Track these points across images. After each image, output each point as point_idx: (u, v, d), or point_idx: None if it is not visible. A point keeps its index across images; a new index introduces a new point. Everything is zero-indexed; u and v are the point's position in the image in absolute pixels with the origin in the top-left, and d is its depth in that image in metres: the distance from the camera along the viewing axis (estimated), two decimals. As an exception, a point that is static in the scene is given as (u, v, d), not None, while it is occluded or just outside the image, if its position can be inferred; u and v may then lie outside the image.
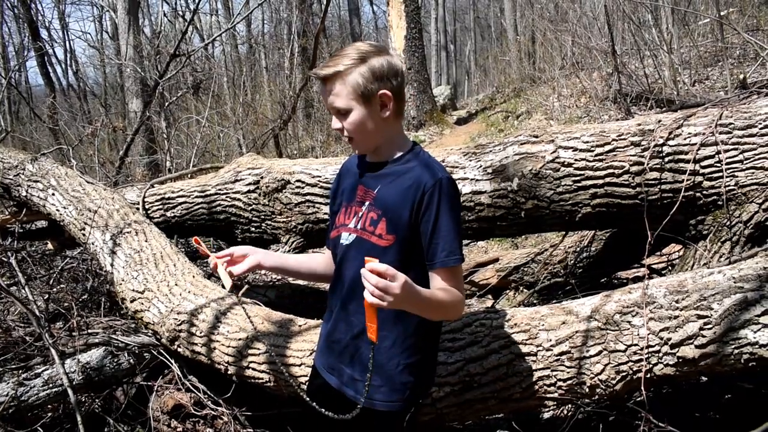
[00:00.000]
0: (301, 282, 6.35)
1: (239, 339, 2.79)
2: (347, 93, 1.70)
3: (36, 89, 25.27)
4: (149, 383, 3.39)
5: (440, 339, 2.37)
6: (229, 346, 2.81)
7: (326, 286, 2.10)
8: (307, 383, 2.15)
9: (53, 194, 4.15)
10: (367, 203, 1.81)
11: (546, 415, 3.10)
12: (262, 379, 2.72)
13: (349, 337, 1.85)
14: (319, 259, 2.09)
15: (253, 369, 2.74)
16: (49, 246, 4.81)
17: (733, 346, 2.01)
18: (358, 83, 1.69)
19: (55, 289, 4.60)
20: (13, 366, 3.42)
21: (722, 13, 8.25)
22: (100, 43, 27.32)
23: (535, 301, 4.24)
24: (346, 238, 1.84)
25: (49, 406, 3.26)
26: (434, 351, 1.99)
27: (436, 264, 1.72)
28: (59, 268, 4.75)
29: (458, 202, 1.78)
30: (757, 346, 1.98)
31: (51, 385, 3.13)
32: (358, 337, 1.83)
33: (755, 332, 1.98)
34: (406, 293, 1.51)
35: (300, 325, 2.75)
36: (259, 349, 2.72)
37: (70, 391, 3.02)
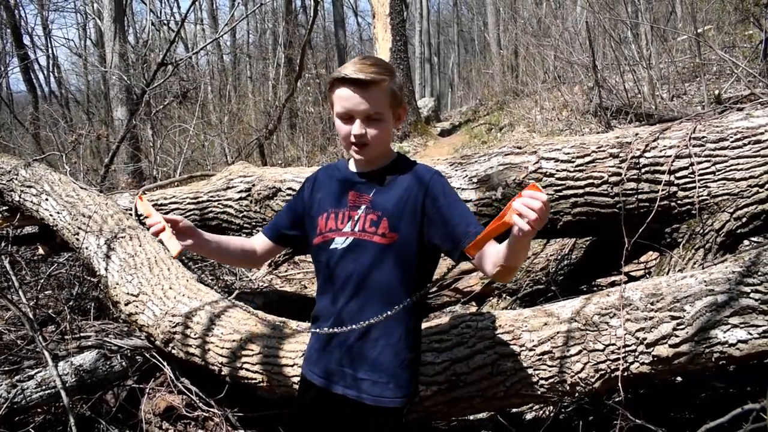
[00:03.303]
0: (288, 289, 6.41)
1: (233, 341, 2.87)
2: (384, 100, 1.79)
3: (17, 95, 25.09)
4: (141, 386, 3.45)
5: (428, 340, 2.48)
6: (223, 348, 2.88)
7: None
8: (298, 397, 2.14)
9: (47, 199, 4.19)
10: (363, 207, 1.87)
11: (528, 416, 3.20)
12: (255, 379, 2.80)
13: (354, 338, 1.88)
14: (240, 240, 2.13)
15: (247, 369, 2.82)
16: (40, 251, 4.84)
17: (704, 346, 2.13)
18: (394, 93, 1.81)
19: (41, 295, 4.65)
20: (6, 369, 3.46)
21: (699, 31, 8.47)
22: (83, 50, 27.22)
23: (517, 308, 4.35)
24: (341, 242, 1.88)
25: (39, 409, 3.30)
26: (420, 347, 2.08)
27: (473, 233, 1.70)
28: (47, 273, 4.80)
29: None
30: (726, 345, 2.11)
31: (44, 387, 3.18)
32: (363, 338, 1.86)
33: (725, 332, 2.11)
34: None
35: (292, 328, 2.83)
36: (252, 350, 2.79)
37: (63, 393, 3.07)
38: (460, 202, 1.83)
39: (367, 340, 1.86)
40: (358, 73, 1.75)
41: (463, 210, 1.81)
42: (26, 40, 22.32)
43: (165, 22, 23.43)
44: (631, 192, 3.01)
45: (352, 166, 1.97)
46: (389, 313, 1.80)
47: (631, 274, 4.08)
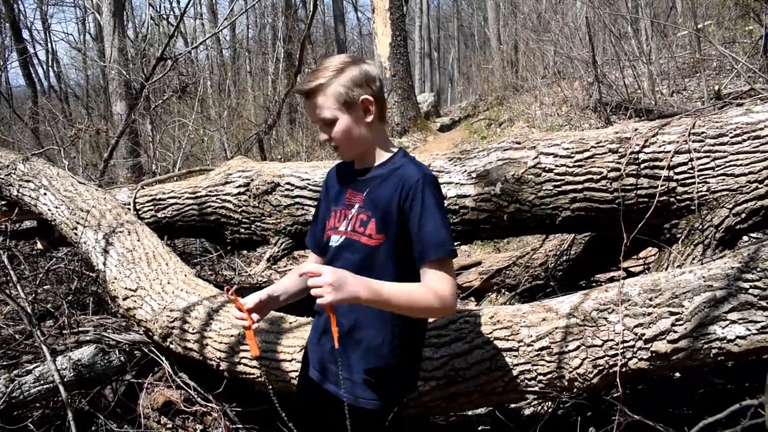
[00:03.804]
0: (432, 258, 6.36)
1: (231, 335, 2.86)
2: (330, 103, 1.79)
3: (17, 90, 25.04)
4: (139, 381, 3.44)
5: (426, 335, 2.48)
6: (221, 343, 2.88)
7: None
8: (297, 381, 2.18)
9: (45, 194, 4.19)
10: (356, 206, 1.87)
11: (527, 412, 3.20)
12: (253, 374, 2.80)
13: (340, 334, 1.86)
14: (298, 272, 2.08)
15: (245, 365, 2.82)
16: (38, 245, 4.84)
17: (703, 341, 2.13)
18: (340, 93, 1.78)
19: (40, 289, 4.64)
20: (4, 363, 3.46)
21: (699, 26, 8.46)
22: (83, 45, 27.16)
23: (516, 303, 4.34)
24: (336, 241, 1.89)
25: (37, 404, 3.30)
26: (419, 352, 2.01)
27: (425, 258, 1.74)
28: (45, 268, 4.79)
29: (442, 199, 1.81)
30: (725, 341, 2.11)
31: (42, 382, 3.17)
32: (349, 335, 1.87)
33: (723, 328, 2.11)
34: (340, 281, 1.58)
35: (290, 322, 2.83)
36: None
37: (61, 388, 3.06)
38: (433, 217, 1.75)
39: (351, 341, 1.86)
40: (302, 86, 1.80)
41: (430, 228, 1.74)
42: (25, 34, 22.29)
43: (164, 16, 23.40)
44: (630, 187, 3.00)
45: (356, 162, 1.96)
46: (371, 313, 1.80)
47: (630, 269, 4.08)
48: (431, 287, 1.72)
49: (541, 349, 2.35)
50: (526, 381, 2.38)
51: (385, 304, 1.70)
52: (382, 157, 1.89)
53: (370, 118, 1.82)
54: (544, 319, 2.41)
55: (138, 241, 3.57)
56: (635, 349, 2.22)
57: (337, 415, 1.86)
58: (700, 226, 2.90)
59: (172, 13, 24.92)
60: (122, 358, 3.41)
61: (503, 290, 4.71)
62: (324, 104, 1.79)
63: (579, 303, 2.40)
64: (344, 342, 1.83)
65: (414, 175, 1.79)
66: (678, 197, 2.95)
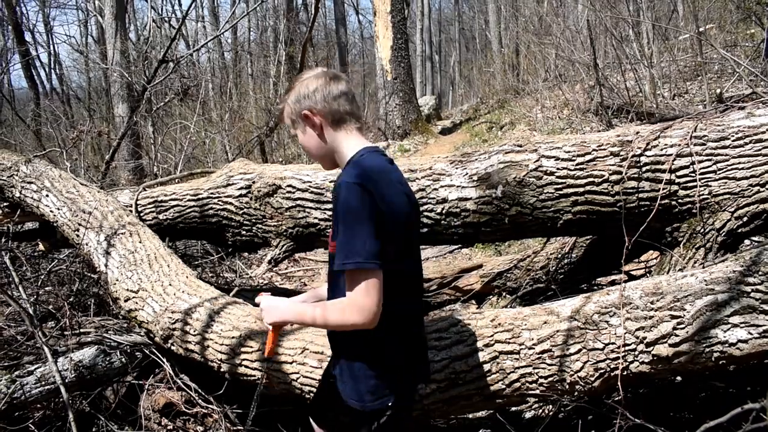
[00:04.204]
0: (288, 286, 6.41)
1: (232, 337, 2.87)
2: (289, 123, 1.99)
3: (19, 92, 25.08)
4: (140, 382, 3.45)
5: (427, 338, 2.47)
6: (222, 344, 2.88)
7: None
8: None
9: (47, 195, 4.19)
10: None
11: (528, 415, 3.20)
12: (254, 376, 2.80)
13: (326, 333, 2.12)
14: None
15: (246, 366, 2.82)
16: (40, 247, 4.84)
17: (704, 345, 2.13)
18: (289, 111, 1.96)
19: (41, 291, 4.65)
20: (6, 364, 3.46)
21: (701, 30, 8.45)
22: (85, 47, 27.22)
23: (517, 306, 4.34)
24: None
25: (38, 405, 3.30)
26: (386, 356, 1.93)
27: (333, 268, 1.85)
28: (47, 269, 4.79)
29: (355, 207, 1.72)
30: (727, 345, 2.11)
31: (44, 383, 3.17)
32: (329, 335, 2.08)
33: (725, 332, 2.11)
34: (269, 308, 2.00)
35: (292, 325, 2.82)
36: (251, 347, 2.79)
37: (62, 389, 3.07)
38: (345, 227, 1.74)
39: (336, 339, 2.02)
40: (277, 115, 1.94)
41: (341, 238, 1.74)
42: (28, 36, 22.35)
43: (166, 19, 23.43)
44: (631, 191, 3.00)
45: None
46: None
47: (632, 273, 4.07)
48: (342, 302, 1.79)
49: (543, 352, 2.35)
50: (527, 384, 2.38)
51: (312, 324, 1.97)
52: (344, 162, 1.92)
53: (317, 131, 1.91)
54: (545, 322, 2.41)
55: (140, 242, 3.57)
56: (637, 353, 2.22)
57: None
58: (702, 230, 2.90)
59: (173, 15, 24.98)
60: (123, 359, 3.41)
61: (504, 293, 4.70)
62: (287, 122, 2.00)
63: (580, 306, 2.40)
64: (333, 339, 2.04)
65: (339, 182, 1.79)
66: (680, 200, 2.95)
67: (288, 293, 4.94)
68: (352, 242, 1.71)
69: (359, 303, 1.73)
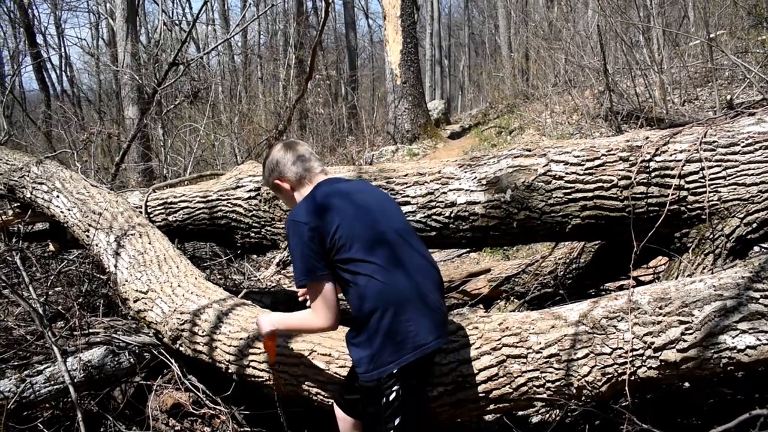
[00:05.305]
0: (295, 289, 6.41)
1: (240, 339, 2.88)
2: (271, 191, 2.55)
3: (30, 94, 25.26)
4: (148, 383, 3.46)
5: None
6: (230, 346, 2.89)
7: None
8: None
9: (58, 196, 4.22)
10: None
11: (535, 419, 3.20)
12: (262, 377, 2.81)
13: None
14: None
15: (254, 368, 2.83)
16: (51, 247, 4.87)
17: (712, 351, 2.12)
18: (266, 183, 2.51)
19: (51, 291, 4.68)
20: (15, 364, 3.49)
21: (712, 36, 8.43)
22: (96, 49, 27.40)
23: (525, 311, 4.33)
24: None
25: (47, 405, 3.32)
26: (375, 336, 2.16)
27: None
28: (57, 270, 4.82)
29: (296, 240, 2.18)
30: (735, 351, 2.10)
31: (53, 383, 3.18)
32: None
33: (734, 338, 2.10)
34: (261, 321, 2.46)
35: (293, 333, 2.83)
36: (259, 348, 2.80)
37: (71, 389, 3.08)
38: (291, 257, 2.21)
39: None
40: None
41: (293, 264, 2.23)
42: (39, 39, 22.49)
43: (177, 22, 23.51)
44: (640, 196, 3.00)
45: None
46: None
47: (640, 278, 4.06)
48: (307, 310, 2.29)
49: (550, 356, 2.35)
50: (535, 388, 2.37)
51: (293, 330, 2.68)
52: None
53: (289, 191, 2.40)
54: (553, 327, 2.41)
55: (149, 243, 3.60)
56: (644, 358, 2.21)
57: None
58: (711, 236, 2.89)
59: (184, 18, 25.07)
60: (132, 359, 3.42)
61: (512, 298, 4.70)
62: (271, 192, 2.67)
63: (588, 311, 2.39)
64: None
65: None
66: (689, 206, 2.94)
67: (295, 296, 4.94)
68: (294, 265, 2.20)
69: (316, 311, 2.22)
